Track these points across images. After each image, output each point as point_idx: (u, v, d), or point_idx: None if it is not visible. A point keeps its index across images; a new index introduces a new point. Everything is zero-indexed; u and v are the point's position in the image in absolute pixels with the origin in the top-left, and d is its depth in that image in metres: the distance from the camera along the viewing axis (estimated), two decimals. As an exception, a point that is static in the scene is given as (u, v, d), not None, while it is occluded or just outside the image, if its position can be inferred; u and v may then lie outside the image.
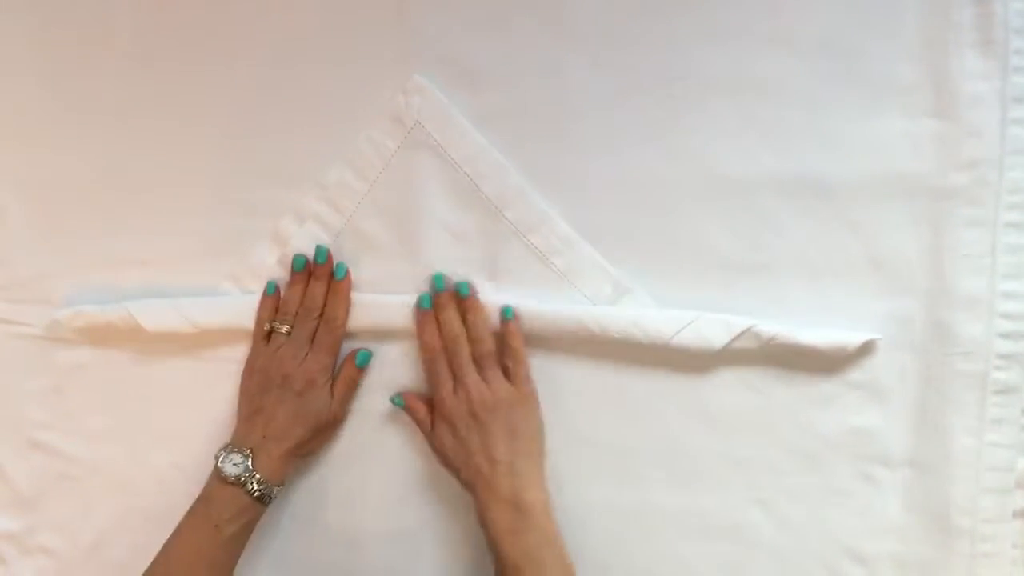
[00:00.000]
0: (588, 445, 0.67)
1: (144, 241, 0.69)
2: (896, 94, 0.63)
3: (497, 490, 0.61)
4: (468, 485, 0.62)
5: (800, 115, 0.64)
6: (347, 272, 0.66)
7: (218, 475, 0.62)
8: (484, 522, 0.61)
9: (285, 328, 0.66)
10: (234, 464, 0.62)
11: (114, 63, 0.69)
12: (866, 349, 0.64)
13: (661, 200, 0.65)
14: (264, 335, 0.66)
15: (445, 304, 0.65)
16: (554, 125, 0.66)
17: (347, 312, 0.66)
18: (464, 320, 0.65)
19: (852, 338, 0.63)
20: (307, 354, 0.65)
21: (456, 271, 0.66)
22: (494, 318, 0.65)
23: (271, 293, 0.67)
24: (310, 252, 0.67)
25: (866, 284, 0.64)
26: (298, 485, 0.69)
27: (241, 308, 0.68)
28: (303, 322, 0.65)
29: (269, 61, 0.68)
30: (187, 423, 0.70)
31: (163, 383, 0.70)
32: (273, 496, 0.63)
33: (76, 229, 0.70)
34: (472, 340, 0.64)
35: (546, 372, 0.66)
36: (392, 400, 0.66)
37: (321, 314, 0.66)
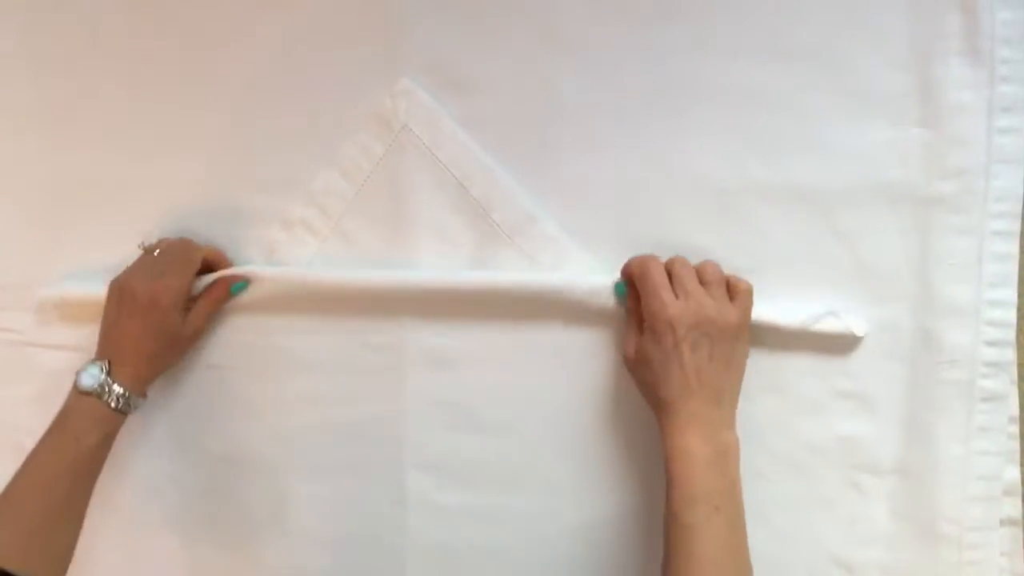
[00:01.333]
0: (571, 450, 0.67)
1: (131, 247, 0.68)
2: (883, 103, 0.63)
3: (703, 419, 0.57)
4: (664, 403, 0.58)
5: (787, 123, 0.64)
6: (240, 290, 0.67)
7: (76, 388, 0.62)
8: (673, 449, 0.57)
9: (152, 247, 0.66)
10: (90, 375, 0.62)
11: (103, 70, 0.69)
12: (849, 343, 0.64)
13: (648, 206, 0.66)
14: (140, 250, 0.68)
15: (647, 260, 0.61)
16: (542, 130, 0.66)
17: (202, 252, 0.66)
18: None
19: (833, 323, 0.63)
20: (161, 273, 0.65)
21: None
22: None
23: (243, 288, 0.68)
24: (298, 258, 0.67)
25: (853, 292, 0.64)
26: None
27: (265, 281, 0.67)
28: (169, 247, 0.66)
29: (257, 68, 0.68)
30: (173, 429, 0.69)
31: (150, 390, 0.69)
32: (133, 406, 0.63)
33: (62, 234, 0.70)
34: (699, 269, 0.61)
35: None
36: (616, 286, 0.63)
37: (194, 253, 0.66)
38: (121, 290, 0.65)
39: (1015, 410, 0.64)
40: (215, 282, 0.67)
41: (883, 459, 0.65)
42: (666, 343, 0.58)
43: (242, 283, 0.67)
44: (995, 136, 0.62)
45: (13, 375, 0.71)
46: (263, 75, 0.68)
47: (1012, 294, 0.63)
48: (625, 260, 0.64)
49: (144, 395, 0.65)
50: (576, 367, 0.66)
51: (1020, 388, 0.65)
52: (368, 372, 0.68)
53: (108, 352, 0.64)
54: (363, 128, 0.67)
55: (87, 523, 0.70)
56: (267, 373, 0.69)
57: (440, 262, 0.67)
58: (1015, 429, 0.64)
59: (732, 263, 0.64)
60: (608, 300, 0.64)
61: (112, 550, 0.70)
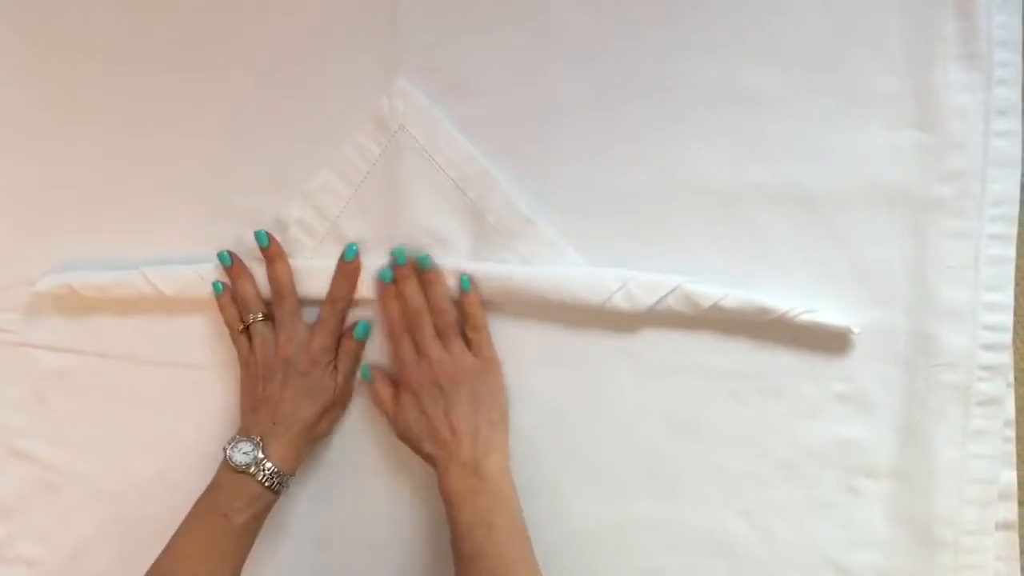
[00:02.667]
0: (572, 458, 0.67)
1: (126, 248, 0.69)
2: (880, 106, 0.63)
3: (458, 457, 0.61)
4: (430, 457, 0.63)
5: (785, 126, 0.64)
6: (356, 254, 0.66)
7: (227, 465, 0.61)
8: (443, 489, 0.61)
9: (260, 316, 0.65)
10: (243, 453, 0.61)
11: (97, 69, 0.69)
12: (845, 345, 0.64)
13: (645, 208, 0.65)
14: (242, 331, 0.66)
15: (406, 277, 0.64)
16: (538, 132, 0.66)
17: (351, 292, 0.66)
18: (425, 292, 0.64)
19: (829, 315, 0.63)
20: (307, 335, 0.64)
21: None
22: (454, 288, 0.65)
23: (221, 292, 0.66)
24: (294, 258, 0.67)
25: (850, 295, 0.64)
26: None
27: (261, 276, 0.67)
28: (280, 305, 0.65)
29: (254, 68, 0.68)
30: (171, 432, 0.69)
31: (147, 391, 0.69)
32: (285, 485, 0.62)
33: (57, 235, 0.69)
34: (434, 312, 0.64)
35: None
36: (361, 371, 0.66)
37: (285, 295, 0.65)
38: (265, 362, 0.64)
39: (1011, 414, 0.64)
40: (343, 336, 0.66)
41: (879, 462, 0.65)
42: (415, 407, 0.63)
43: (363, 324, 0.66)
44: (992, 139, 0.62)
45: (9, 376, 0.71)
46: (260, 75, 0.68)
47: (1009, 297, 0.63)
48: (620, 264, 0.64)
49: (294, 474, 0.64)
50: (574, 368, 0.66)
51: (1016, 392, 0.65)
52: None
53: (260, 428, 0.63)
54: (360, 129, 0.67)
55: (81, 519, 0.70)
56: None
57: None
58: (1011, 433, 0.64)
59: (729, 266, 0.65)
60: (605, 299, 0.64)
61: (102, 545, 0.70)
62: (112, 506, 0.70)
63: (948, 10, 0.63)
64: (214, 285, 0.66)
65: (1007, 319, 0.63)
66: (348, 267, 0.65)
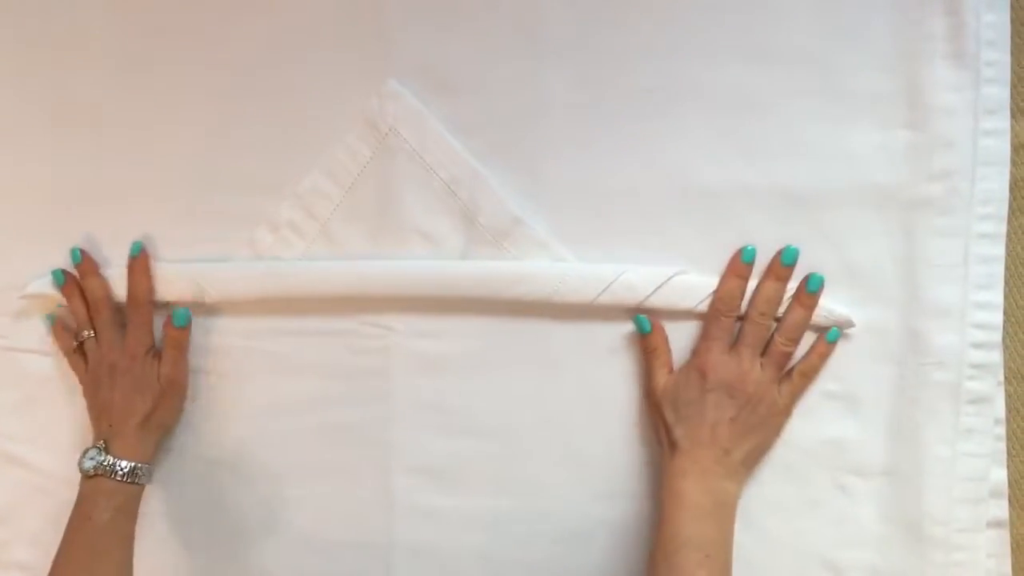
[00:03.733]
0: (562, 455, 0.67)
1: (115, 250, 0.68)
2: (869, 105, 0.63)
3: (705, 469, 0.59)
4: (672, 443, 0.61)
5: (774, 125, 0.64)
6: (141, 248, 0.67)
7: (84, 475, 0.63)
8: (674, 490, 0.59)
9: (88, 333, 0.67)
10: (90, 459, 0.63)
11: (87, 70, 0.69)
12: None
13: (635, 209, 0.65)
14: (78, 355, 0.67)
15: (781, 278, 0.63)
16: (529, 133, 0.66)
17: (149, 286, 0.67)
18: (788, 309, 0.63)
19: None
20: (122, 338, 0.66)
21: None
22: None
23: (53, 323, 0.69)
24: (284, 260, 0.67)
25: (840, 294, 0.64)
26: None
27: (253, 276, 0.67)
28: (98, 316, 0.67)
29: (244, 70, 0.68)
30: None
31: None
32: (143, 474, 0.64)
33: (46, 238, 0.69)
34: (783, 326, 0.62)
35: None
36: (175, 314, 0.66)
37: (101, 308, 0.66)
38: (95, 375, 0.66)
39: (1001, 412, 0.65)
40: (164, 326, 0.67)
41: (870, 461, 0.65)
42: (697, 389, 0.61)
43: (182, 311, 0.67)
44: (980, 138, 0.62)
45: (-1, 380, 0.71)
46: (250, 76, 0.68)
47: (998, 296, 0.64)
48: (611, 264, 0.64)
49: (149, 462, 0.65)
50: (566, 370, 0.66)
51: (1007, 390, 0.65)
52: (355, 375, 0.68)
53: (102, 432, 0.65)
54: (350, 130, 0.67)
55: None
56: (254, 377, 0.69)
57: (426, 265, 0.66)
58: (1001, 431, 0.65)
59: (718, 265, 0.65)
60: (599, 298, 0.64)
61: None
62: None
63: (936, 9, 0.63)
64: (47, 318, 0.69)
65: (997, 317, 0.64)
66: (134, 263, 0.67)
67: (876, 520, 0.65)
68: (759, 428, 0.62)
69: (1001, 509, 0.65)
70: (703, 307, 0.64)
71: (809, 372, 0.63)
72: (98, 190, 0.69)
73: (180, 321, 0.67)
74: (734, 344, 0.63)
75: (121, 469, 0.63)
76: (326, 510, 0.69)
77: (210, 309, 0.68)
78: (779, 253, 0.64)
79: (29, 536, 0.71)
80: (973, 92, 0.62)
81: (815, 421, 0.65)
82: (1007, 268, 0.64)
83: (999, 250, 0.63)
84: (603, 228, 0.66)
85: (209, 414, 0.69)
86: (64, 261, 0.69)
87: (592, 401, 0.67)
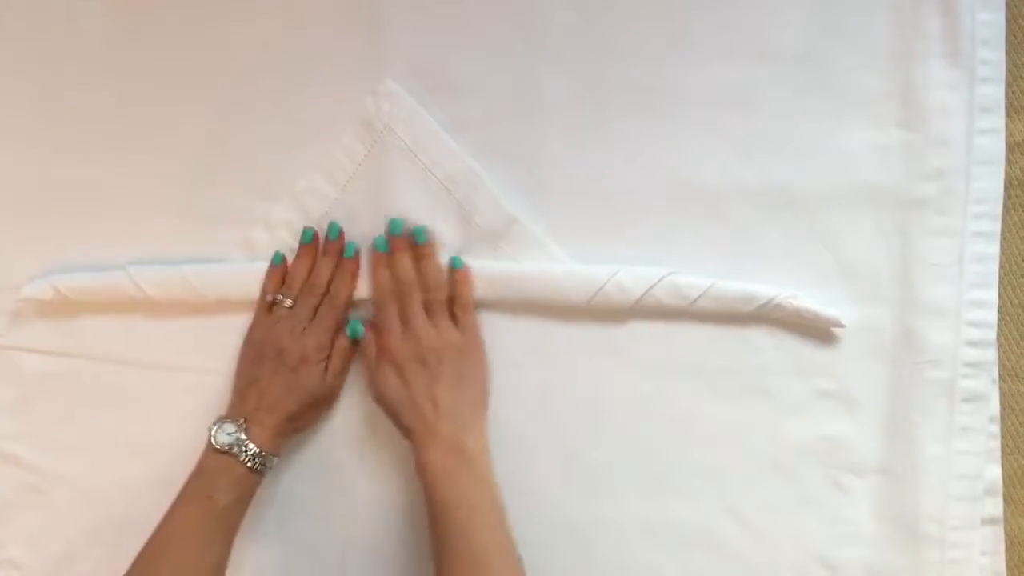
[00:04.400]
0: (561, 455, 0.67)
1: (111, 251, 0.68)
2: (864, 104, 0.64)
3: (437, 433, 0.61)
4: (407, 430, 0.62)
5: (770, 124, 0.64)
6: (356, 251, 0.66)
7: (211, 446, 0.61)
8: (420, 465, 0.61)
9: (288, 302, 0.65)
10: (227, 434, 0.61)
11: (82, 70, 0.69)
12: (831, 342, 0.65)
13: (631, 207, 0.66)
14: (267, 306, 0.66)
15: (401, 248, 0.65)
16: (525, 132, 0.66)
17: (351, 292, 0.66)
18: (418, 266, 0.65)
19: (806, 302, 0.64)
20: (304, 329, 0.64)
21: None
22: (444, 266, 0.65)
23: (278, 264, 0.66)
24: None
25: (836, 293, 0.64)
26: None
27: (248, 276, 0.67)
28: (306, 298, 0.65)
29: (240, 69, 0.68)
30: (158, 434, 0.69)
31: (132, 394, 0.69)
32: (268, 467, 0.62)
33: (42, 237, 0.69)
34: (424, 288, 0.64)
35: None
36: (350, 326, 0.66)
37: (326, 291, 0.65)
38: (262, 346, 0.64)
39: (996, 410, 0.65)
40: (337, 333, 0.66)
41: (865, 459, 0.65)
42: (396, 377, 0.63)
43: (356, 323, 0.66)
44: (975, 137, 0.63)
45: (-7, 379, 0.70)
46: (246, 76, 0.68)
47: (993, 295, 0.64)
48: (607, 262, 0.64)
49: (278, 454, 0.64)
50: (561, 368, 0.66)
51: (1001, 388, 0.65)
52: (351, 373, 0.68)
53: (245, 410, 0.63)
54: (346, 129, 0.67)
55: (69, 522, 0.70)
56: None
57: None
58: (996, 429, 0.65)
59: (714, 265, 0.65)
60: (593, 293, 0.64)
61: (90, 548, 0.70)
62: (99, 509, 0.70)
63: (932, 9, 0.63)
64: (274, 256, 0.67)
65: (991, 316, 0.64)
66: (346, 264, 0.65)
67: (871, 518, 0.65)
68: (463, 375, 0.63)
69: (996, 506, 0.65)
70: (696, 306, 0.64)
71: (463, 302, 0.64)
72: (94, 190, 0.69)
73: (354, 333, 0.66)
74: (402, 323, 0.64)
75: (253, 454, 0.61)
76: (321, 510, 0.69)
77: (206, 309, 0.68)
78: (386, 230, 0.65)
79: (23, 536, 0.70)
80: (968, 91, 0.63)
81: (810, 419, 0.65)
82: (1002, 266, 0.64)
83: (994, 248, 0.64)
84: (599, 227, 0.66)
85: (207, 413, 0.69)
86: (61, 263, 0.69)
87: (588, 398, 0.66)
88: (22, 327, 0.70)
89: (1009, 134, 0.63)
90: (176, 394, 0.69)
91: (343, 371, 0.66)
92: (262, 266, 0.67)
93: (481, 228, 0.66)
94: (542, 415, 0.67)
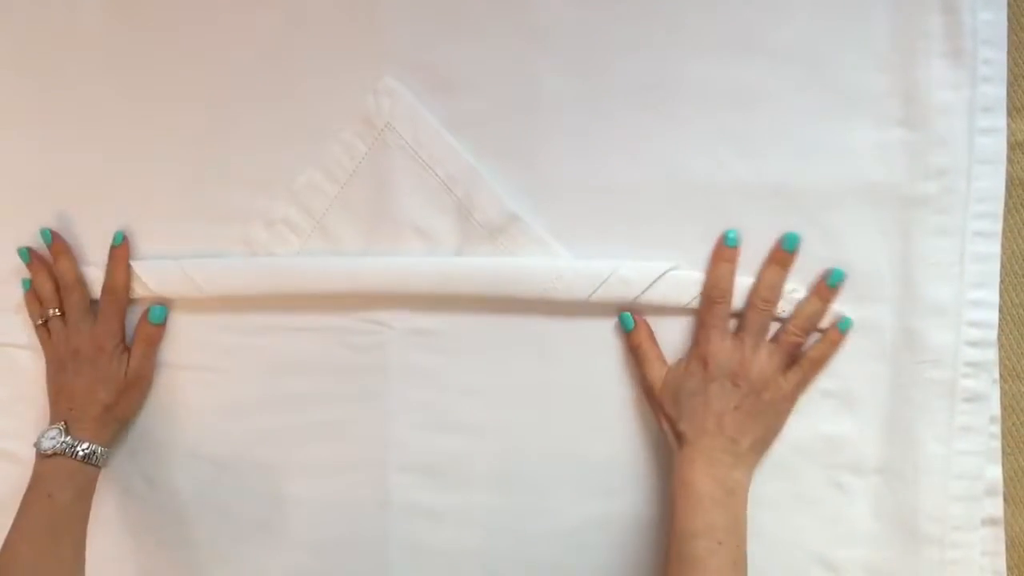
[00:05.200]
0: (560, 453, 0.67)
1: (109, 246, 0.68)
2: (865, 103, 0.63)
3: (713, 458, 0.59)
4: (679, 435, 0.61)
5: (771, 122, 0.64)
6: (124, 238, 0.67)
7: (40, 455, 0.63)
8: (679, 480, 0.59)
9: (53, 311, 0.67)
10: (50, 439, 0.63)
11: (82, 65, 0.69)
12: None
13: (631, 205, 0.65)
14: (41, 326, 0.68)
15: (776, 261, 0.63)
16: (525, 129, 0.66)
17: (127, 278, 0.67)
18: (799, 303, 0.63)
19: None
20: (91, 325, 0.66)
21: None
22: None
23: (27, 289, 0.69)
24: (280, 255, 0.67)
25: (836, 292, 0.64)
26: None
27: (249, 271, 0.67)
28: (67, 299, 0.67)
29: (240, 66, 0.67)
30: (153, 430, 0.69)
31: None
32: (102, 458, 0.64)
33: (38, 233, 0.69)
34: (795, 317, 0.62)
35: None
36: (151, 311, 0.67)
37: (71, 289, 0.67)
38: (57, 355, 0.66)
39: (996, 410, 0.65)
40: (138, 321, 0.67)
41: (865, 458, 0.65)
42: (696, 378, 0.61)
43: (159, 308, 0.67)
44: (976, 136, 0.63)
45: (-10, 377, 0.70)
46: (245, 72, 0.67)
47: (994, 295, 0.64)
48: (606, 259, 0.64)
49: (107, 445, 0.65)
50: (562, 367, 0.66)
51: (1002, 388, 0.65)
52: (351, 372, 0.68)
53: (62, 414, 0.65)
54: (346, 126, 0.67)
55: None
56: (249, 374, 0.69)
57: (422, 262, 0.66)
58: (996, 429, 0.65)
59: (715, 262, 0.65)
60: (594, 294, 0.64)
61: (94, 553, 0.69)
62: (94, 506, 0.69)
63: (933, 7, 0.63)
64: (23, 283, 0.68)
65: (992, 316, 0.64)
66: (116, 252, 0.67)
67: (871, 518, 0.65)
68: (764, 414, 0.61)
69: (996, 507, 0.65)
70: (697, 302, 0.64)
71: (819, 359, 0.63)
72: (93, 185, 0.69)
73: (156, 318, 0.67)
74: (736, 331, 0.63)
75: (82, 450, 0.63)
76: (321, 508, 0.69)
77: (205, 306, 0.68)
78: (780, 239, 0.64)
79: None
80: (969, 90, 0.62)
81: (810, 418, 0.65)
82: (1003, 266, 0.64)
83: (995, 248, 0.63)
84: (599, 224, 0.66)
85: (203, 411, 0.69)
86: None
87: (589, 397, 0.66)
88: (18, 323, 0.70)
89: (1011, 133, 0.63)
90: (172, 390, 0.69)
91: (147, 355, 0.67)
92: (264, 261, 0.67)
93: (481, 225, 0.66)
94: (540, 414, 0.67)
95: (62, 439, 0.63)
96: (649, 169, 0.65)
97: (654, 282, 0.63)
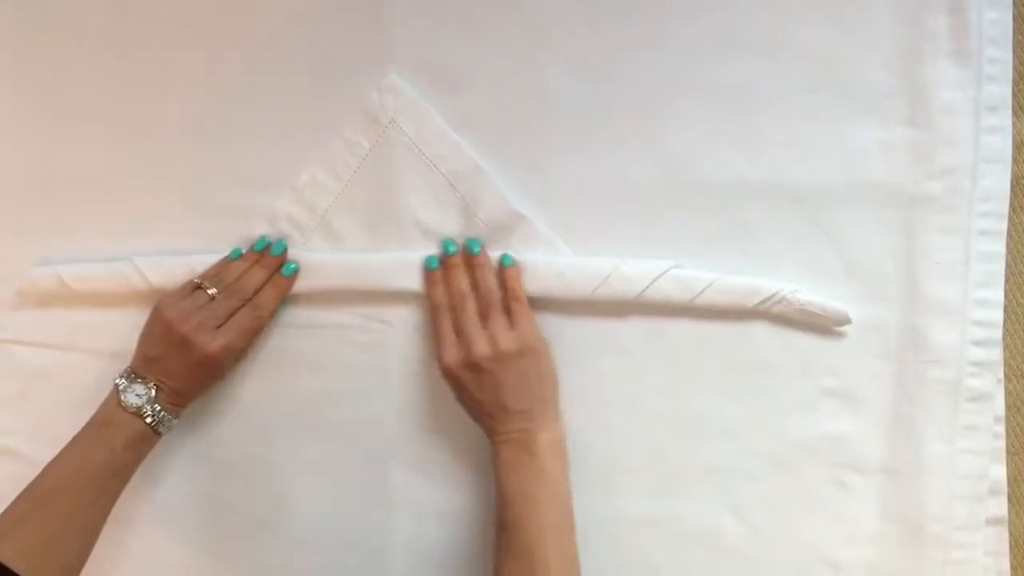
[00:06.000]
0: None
1: (113, 244, 0.68)
2: (871, 102, 0.63)
3: (508, 433, 0.61)
4: (486, 429, 0.63)
5: (776, 122, 0.64)
6: (295, 273, 0.66)
7: (118, 402, 0.62)
8: (493, 461, 0.61)
9: (212, 291, 0.65)
10: (136, 395, 0.62)
11: (83, 63, 0.68)
12: (831, 336, 0.65)
13: (636, 203, 0.65)
14: (192, 287, 0.65)
15: (455, 265, 0.65)
16: (529, 127, 0.66)
17: (275, 308, 0.66)
18: (472, 276, 0.65)
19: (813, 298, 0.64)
20: (219, 327, 0.64)
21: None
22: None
23: (235, 257, 0.67)
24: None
25: (840, 291, 0.64)
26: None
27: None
28: (227, 297, 0.65)
29: (243, 63, 0.67)
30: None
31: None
32: (169, 429, 0.63)
33: (42, 231, 0.69)
34: (479, 293, 0.64)
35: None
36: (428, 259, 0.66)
37: (250, 299, 0.65)
38: (170, 327, 0.63)
39: (1001, 409, 0.65)
40: (239, 317, 0.65)
41: (869, 458, 0.65)
42: (458, 389, 0.63)
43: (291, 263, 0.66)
44: (982, 136, 0.63)
45: (-8, 373, 0.70)
46: (249, 69, 0.67)
47: (999, 294, 0.64)
48: (610, 258, 0.64)
49: (178, 417, 0.64)
50: (564, 364, 0.66)
51: (1006, 387, 0.65)
52: (353, 370, 0.68)
53: (152, 373, 0.63)
54: (350, 123, 0.66)
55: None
56: (251, 371, 0.68)
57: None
58: (1001, 428, 0.65)
59: (718, 262, 0.65)
60: (596, 292, 0.64)
61: (95, 552, 0.69)
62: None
63: (939, 7, 0.63)
64: (232, 252, 0.67)
65: (997, 315, 0.64)
66: (281, 280, 0.66)
67: (875, 517, 0.65)
68: (528, 374, 0.62)
69: (1000, 507, 0.65)
70: (700, 300, 0.64)
71: (517, 297, 0.64)
72: (96, 183, 0.69)
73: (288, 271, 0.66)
74: (458, 334, 0.64)
75: (160, 415, 0.62)
76: (323, 507, 0.68)
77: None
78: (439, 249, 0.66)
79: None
80: (975, 89, 0.63)
81: (814, 417, 0.65)
82: (1008, 266, 0.64)
83: (1000, 247, 0.64)
84: (602, 222, 0.66)
85: (205, 409, 0.69)
86: (61, 256, 0.68)
87: (591, 395, 0.66)
88: (20, 320, 0.69)
89: (1016, 132, 0.63)
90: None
91: (243, 348, 0.66)
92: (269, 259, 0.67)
93: (484, 223, 0.66)
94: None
95: (149, 397, 0.62)
96: (652, 168, 0.65)
97: (655, 280, 0.63)
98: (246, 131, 0.67)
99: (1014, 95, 0.63)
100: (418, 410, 0.68)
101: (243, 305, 0.65)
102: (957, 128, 0.63)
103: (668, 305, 0.64)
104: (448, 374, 0.63)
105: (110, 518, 0.68)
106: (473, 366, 0.62)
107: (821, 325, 0.64)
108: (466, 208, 0.66)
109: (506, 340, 0.62)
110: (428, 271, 0.65)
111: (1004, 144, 0.63)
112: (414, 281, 0.65)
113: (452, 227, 0.66)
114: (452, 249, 0.65)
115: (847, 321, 0.64)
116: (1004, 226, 0.63)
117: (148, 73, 0.68)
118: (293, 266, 0.66)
